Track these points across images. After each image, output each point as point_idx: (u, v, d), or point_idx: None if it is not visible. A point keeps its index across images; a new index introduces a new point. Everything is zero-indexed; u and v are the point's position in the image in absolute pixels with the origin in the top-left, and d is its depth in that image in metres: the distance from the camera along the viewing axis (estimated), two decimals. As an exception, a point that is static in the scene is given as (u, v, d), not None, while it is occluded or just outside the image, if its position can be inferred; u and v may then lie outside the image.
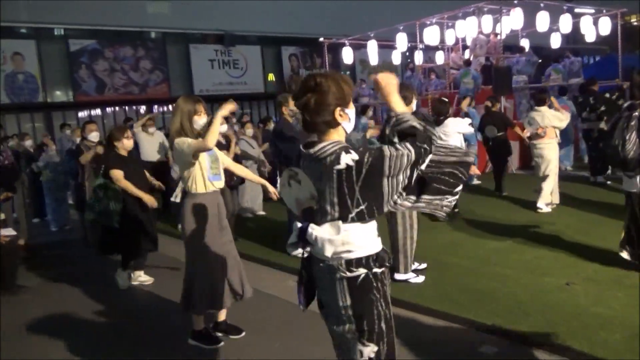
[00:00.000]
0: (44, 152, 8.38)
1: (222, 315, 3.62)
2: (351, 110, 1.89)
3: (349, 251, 1.82)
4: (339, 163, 1.75)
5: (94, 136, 6.32)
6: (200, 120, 3.33)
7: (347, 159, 1.75)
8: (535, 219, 6.02)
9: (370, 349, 1.84)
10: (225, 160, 3.75)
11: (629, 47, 26.26)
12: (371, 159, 1.75)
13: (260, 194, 7.76)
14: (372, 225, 1.88)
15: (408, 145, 1.77)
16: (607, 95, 8.13)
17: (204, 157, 3.34)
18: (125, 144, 4.80)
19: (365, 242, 1.85)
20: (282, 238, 6.04)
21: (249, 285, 3.61)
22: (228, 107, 3.27)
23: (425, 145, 1.79)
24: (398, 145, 1.78)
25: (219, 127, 3.23)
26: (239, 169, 3.97)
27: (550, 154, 6.40)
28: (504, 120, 7.91)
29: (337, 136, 1.87)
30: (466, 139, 7.59)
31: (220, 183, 3.46)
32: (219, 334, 3.57)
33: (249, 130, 8.16)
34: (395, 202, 1.87)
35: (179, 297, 3.52)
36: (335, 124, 1.86)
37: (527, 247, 4.96)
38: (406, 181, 1.81)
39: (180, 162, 3.39)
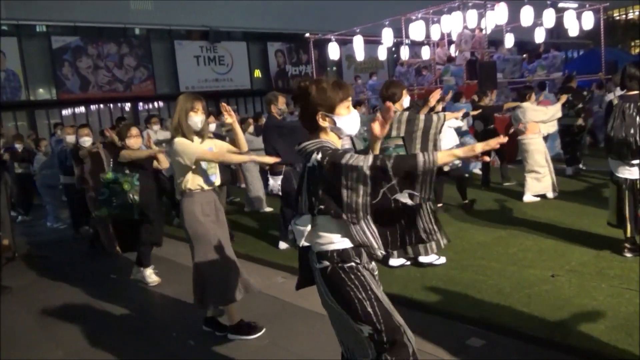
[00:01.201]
0: (37, 154, 8.33)
1: (237, 316, 3.56)
2: (339, 117, 1.97)
3: (319, 244, 1.97)
4: (309, 161, 1.91)
5: (85, 141, 6.20)
6: (195, 116, 3.32)
7: (315, 158, 1.88)
8: (519, 212, 6.08)
9: (367, 328, 1.94)
10: (226, 154, 3.63)
11: (612, 42, 26.68)
12: (329, 161, 1.84)
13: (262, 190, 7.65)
14: (342, 221, 1.90)
15: (369, 159, 1.79)
16: (585, 93, 8.34)
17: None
18: (130, 143, 4.72)
19: (332, 237, 1.95)
20: (268, 234, 6.07)
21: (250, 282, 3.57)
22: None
23: (386, 167, 1.77)
24: (359, 156, 1.82)
25: (232, 159, 3.61)
26: (241, 158, 3.86)
27: (534, 149, 6.53)
28: (492, 114, 7.95)
29: (325, 137, 1.98)
30: (460, 133, 7.65)
31: (216, 181, 3.49)
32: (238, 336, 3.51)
33: (250, 127, 8.07)
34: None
35: (175, 302, 3.47)
36: (318, 127, 1.97)
37: (511, 240, 5.01)
38: (369, 199, 1.82)
39: (176, 162, 3.33)
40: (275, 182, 5.25)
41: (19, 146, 8.97)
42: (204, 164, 3.38)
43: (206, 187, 3.41)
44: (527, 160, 6.60)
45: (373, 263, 2.06)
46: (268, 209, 7.53)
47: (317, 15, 23.41)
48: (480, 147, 1.83)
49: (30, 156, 8.87)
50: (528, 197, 6.58)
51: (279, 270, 4.97)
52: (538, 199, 6.55)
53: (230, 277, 3.43)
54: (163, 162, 4.85)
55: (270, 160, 3.56)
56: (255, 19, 22.89)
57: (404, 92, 4.46)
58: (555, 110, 6.71)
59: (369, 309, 1.93)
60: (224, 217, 3.58)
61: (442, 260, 4.48)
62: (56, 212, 8.27)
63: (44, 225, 8.35)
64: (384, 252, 2.00)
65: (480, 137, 7.76)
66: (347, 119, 2.00)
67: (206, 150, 3.38)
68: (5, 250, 5.64)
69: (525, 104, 6.58)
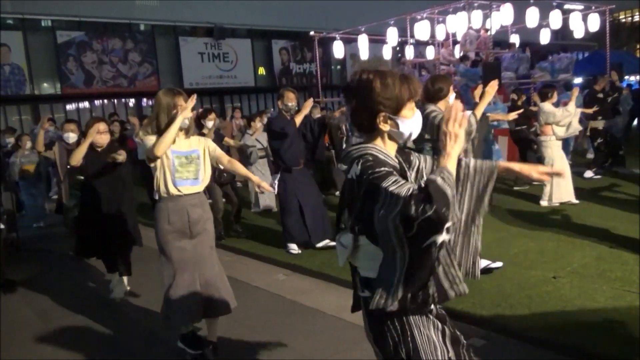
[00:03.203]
0: (19, 148, 8.18)
1: (211, 335, 3.29)
2: (403, 119, 1.63)
3: (362, 268, 1.68)
4: (349, 172, 1.61)
5: (69, 137, 5.66)
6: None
7: (354, 170, 1.57)
8: (521, 213, 6.08)
9: None
10: (221, 158, 3.29)
11: (617, 44, 26.61)
12: (369, 180, 1.51)
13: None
14: None
15: (413, 193, 1.40)
16: (600, 95, 8.21)
17: (169, 159, 3.03)
18: (96, 140, 4.21)
19: (375, 263, 1.61)
20: (271, 232, 6.08)
21: (231, 299, 3.23)
22: (189, 108, 2.96)
23: (425, 211, 1.37)
24: (402, 182, 1.47)
25: (173, 135, 2.93)
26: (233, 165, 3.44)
27: (548, 152, 6.33)
28: (526, 114, 7.57)
29: (380, 142, 1.66)
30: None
31: (193, 188, 3.10)
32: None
33: (259, 125, 7.97)
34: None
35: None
36: (377, 130, 1.65)
37: (513, 241, 5.01)
38: (402, 231, 1.43)
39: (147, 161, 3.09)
40: (274, 182, 5.21)
41: (9, 140, 8.87)
42: (171, 167, 3.03)
43: (174, 193, 3.04)
44: (543, 163, 6.30)
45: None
46: (256, 209, 7.55)
47: (321, 14, 23.41)
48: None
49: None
50: (545, 203, 6.32)
51: (280, 267, 4.98)
52: (557, 204, 6.28)
53: (190, 298, 3.09)
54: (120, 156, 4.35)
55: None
56: (260, 16, 22.89)
57: (452, 88, 4.01)
58: (568, 115, 6.28)
59: (403, 357, 1.65)
60: (201, 226, 3.15)
61: (499, 264, 4.04)
62: (37, 209, 8.12)
63: (26, 221, 8.24)
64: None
65: (514, 136, 7.67)
66: (411, 122, 1.66)
67: (152, 144, 2.99)
68: (8, 243, 5.67)
69: (543, 104, 6.39)
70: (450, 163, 1.47)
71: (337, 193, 7.89)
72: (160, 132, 2.99)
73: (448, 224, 1.40)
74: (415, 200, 1.39)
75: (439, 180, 1.41)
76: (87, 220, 4.40)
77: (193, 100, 3.00)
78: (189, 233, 3.10)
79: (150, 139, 3.00)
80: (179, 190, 3.05)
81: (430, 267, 1.56)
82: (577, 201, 6.30)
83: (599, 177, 7.93)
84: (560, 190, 6.33)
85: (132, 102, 21.65)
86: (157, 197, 3.13)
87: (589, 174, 8.00)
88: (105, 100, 21.00)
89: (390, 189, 1.45)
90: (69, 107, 20.23)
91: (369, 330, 1.73)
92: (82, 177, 4.45)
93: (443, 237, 1.44)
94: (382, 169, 1.52)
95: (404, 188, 1.44)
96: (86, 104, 20.69)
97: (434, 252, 1.49)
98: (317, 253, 5.11)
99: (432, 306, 1.71)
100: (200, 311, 3.15)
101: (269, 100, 24.55)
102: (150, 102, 21.90)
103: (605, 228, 5.07)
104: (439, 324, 1.72)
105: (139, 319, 4.07)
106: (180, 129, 3.05)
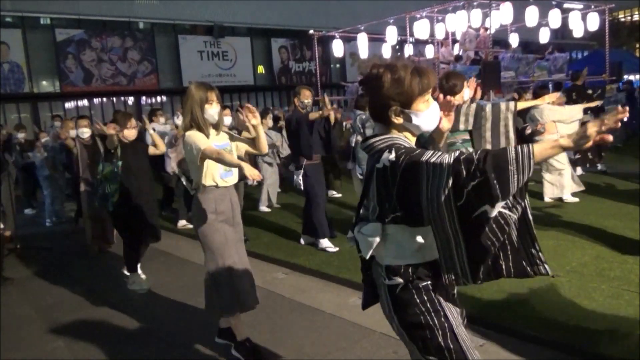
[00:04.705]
0: (37, 146, 8.25)
1: (242, 333, 3.27)
2: (417, 112, 1.66)
3: (389, 257, 1.70)
4: (378, 161, 1.62)
5: (83, 132, 5.99)
6: (211, 109, 3.09)
7: (387, 158, 1.59)
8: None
9: None
10: (227, 155, 3.31)
11: (616, 43, 26.61)
12: (406, 161, 1.55)
13: (277, 187, 7.73)
14: (420, 232, 1.65)
15: (453, 154, 1.49)
16: (590, 91, 8.24)
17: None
18: (125, 134, 4.58)
19: (406, 250, 1.68)
20: (270, 231, 6.08)
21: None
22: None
23: (472, 159, 1.42)
24: (442, 153, 1.54)
25: (237, 162, 2.99)
26: (236, 161, 3.70)
27: None
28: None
29: (396, 133, 1.71)
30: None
31: (233, 179, 3.24)
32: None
33: (270, 122, 7.98)
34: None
35: (172, 294, 3.31)
36: (389, 122, 1.69)
37: (513, 240, 5.00)
38: (453, 201, 1.46)
39: (188, 156, 3.14)
40: (298, 177, 5.24)
41: (21, 136, 8.94)
42: None
43: (221, 184, 3.15)
44: (548, 161, 6.36)
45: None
46: (265, 209, 7.52)
47: (321, 12, 23.40)
48: (593, 128, 1.37)
49: (32, 146, 8.83)
50: (548, 199, 6.41)
51: (279, 266, 4.98)
52: (558, 202, 6.37)
53: (242, 284, 3.17)
54: (160, 145, 4.86)
55: (255, 174, 2.89)
56: (260, 14, 22.87)
57: (465, 83, 4.13)
58: (574, 111, 6.43)
59: (440, 341, 1.64)
60: (239, 216, 3.30)
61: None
62: (54, 206, 8.18)
63: (44, 217, 8.33)
64: (468, 282, 1.59)
65: (519, 134, 7.70)
66: (426, 115, 1.68)
67: (213, 148, 2.99)
68: (7, 241, 5.66)
69: (541, 104, 6.33)
70: (536, 147, 1.43)
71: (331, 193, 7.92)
72: (198, 127, 3.06)
73: (500, 200, 1.40)
74: (465, 164, 1.42)
75: (504, 152, 1.42)
76: (124, 211, 4.53)
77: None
78: (232, 221, 3.23)
79: (197, 135, 3.03)
80: (224, 181, 3.18)
81: (488, 241, 1.52)
82: (570, 199, 6.37)
83: (583, 172, 8.05)
84: (559, 187, 6.41)
85: (131, 100, 21.61)
86: (201, 189, 3.14)
87: (579, 170, 8.11)
88: (105, 99, 20.96)
89: (432, 160, 1.48)
90: (68, 105, 20.20)
91: (392, 314, 1.72)
92: (101, 167, 4.57)
93: (496, 209, 1.44)
94: (418, 150, 1.58)
95: (445, 156, 1.47)
96: (85, 102, 20.65)
97: (488, 224, 1.48)
98: (316, 252, 5.11)
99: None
100: (251, 300, 3.21)
101: (269, 99, 24.54)
102: (149, 101, 21.89)
103: (604, 227, 5.08)
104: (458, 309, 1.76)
105: (139, 317, 4.07)
106: (212, 126, 3.14)
